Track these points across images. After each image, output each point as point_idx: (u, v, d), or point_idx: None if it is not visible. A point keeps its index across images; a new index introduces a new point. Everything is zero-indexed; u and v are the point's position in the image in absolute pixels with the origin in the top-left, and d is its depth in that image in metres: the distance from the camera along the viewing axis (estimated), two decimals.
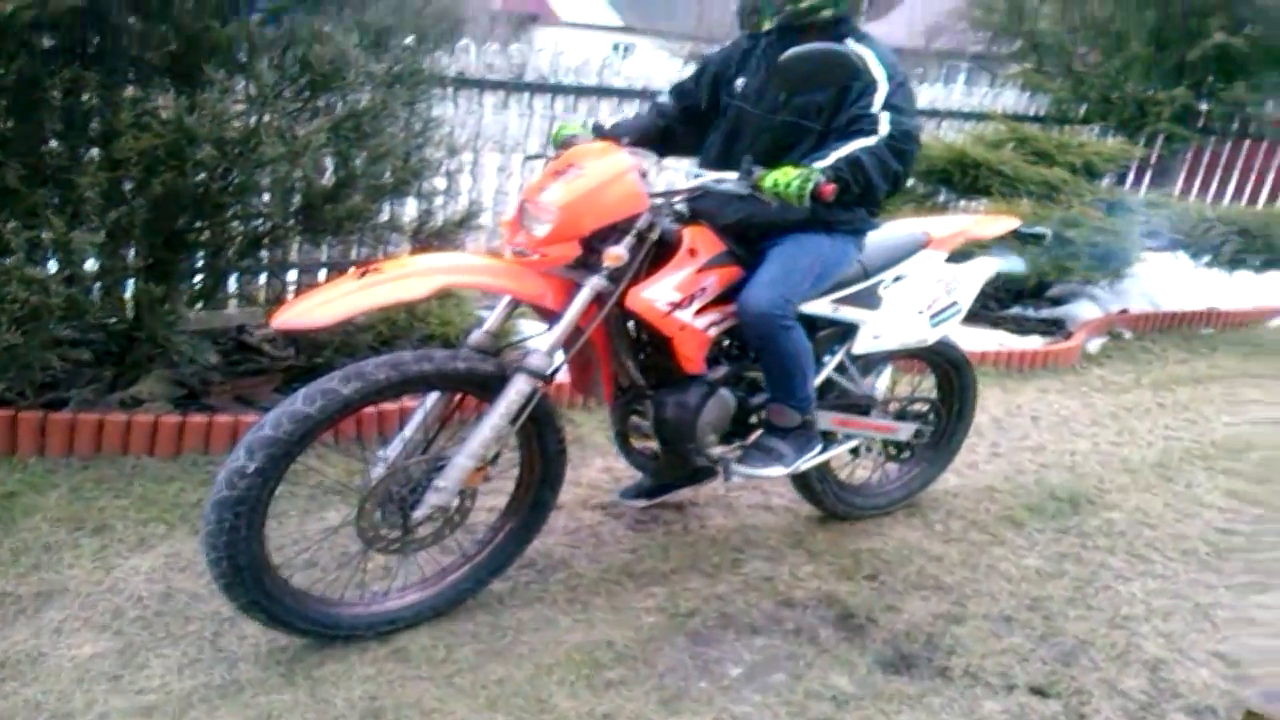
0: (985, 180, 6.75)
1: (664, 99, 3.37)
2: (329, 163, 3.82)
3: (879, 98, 2.89)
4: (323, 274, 5.06)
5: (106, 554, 3.04)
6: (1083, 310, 6.73)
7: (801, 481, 3.56)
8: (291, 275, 4.90)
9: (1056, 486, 4.19)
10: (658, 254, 2.88)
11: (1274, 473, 4.53)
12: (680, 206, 3.01)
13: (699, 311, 2.93)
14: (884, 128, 2.86)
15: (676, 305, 2.86)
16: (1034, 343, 6.16)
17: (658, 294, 2.83)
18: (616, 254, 2.71)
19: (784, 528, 3.65)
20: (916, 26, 26.24)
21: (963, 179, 6.84)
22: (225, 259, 3.87)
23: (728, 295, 2.98)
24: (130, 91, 3.45)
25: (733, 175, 2.81)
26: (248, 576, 2.48)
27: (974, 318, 6.38)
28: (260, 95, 3.39)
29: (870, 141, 2.84)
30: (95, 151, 3.46)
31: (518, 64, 5.85)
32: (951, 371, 3.84)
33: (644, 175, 2.81)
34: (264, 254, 4.34)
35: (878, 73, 2.91)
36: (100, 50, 3.41)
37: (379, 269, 2.56)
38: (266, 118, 3.48)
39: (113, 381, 3.88)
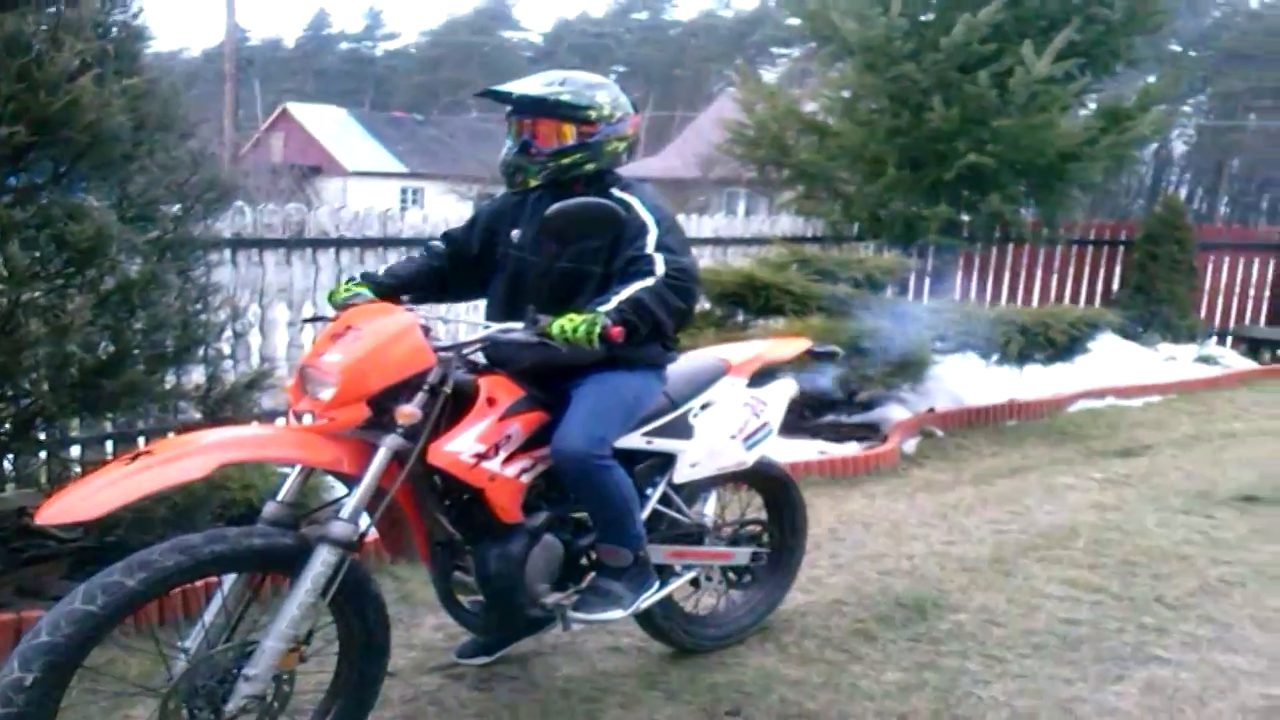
0: (777, 300, 6.91)
1: (437, 244, 3.29)
2: (102, 337, 3.55)
3: (651, 239, 2.93)
4: (109, 446, 4.75)
5: None
6: (893, 413, 6.86)
7: (647, 619, 3.39)
8: (75, 451, 4.56)
9: (901, 593, 4.12)
10: (456, 406, 2.75)
11: (1103, 557, 4.60)
12: (475, 356, 2.92)
13: (507, 459, 2.81)
14: (660, 268, 2.88)
15: (482, 456, 2.74)
16: (852, 448, 6.21)
17: (461, 446, 2.71)
18: (409, 411, 2.58)
19: (637, 669, 3.44)
20: (689, 158, 27.34)
21: (755, 300, 6.99)
22: None
23: (536, 440, 2.88)
24: None
25: (519, 325, 2.76)
26: None
27: (791, 429, 6.42)
28: (14, 276, 3.14)
29: (649, 282, 2.85)
30: None
31: (296, 221, 5.69)
32: (777, 490, 3.79)
33: (427, 331, 2.72)
34: (40, 434, 3.97)
35: (645, 217, 2.97)
36: None
37: (151, 451, 2.37)
38: (25, 298, 3.23)
39: None
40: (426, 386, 2.64)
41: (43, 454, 4.15)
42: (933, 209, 9.27)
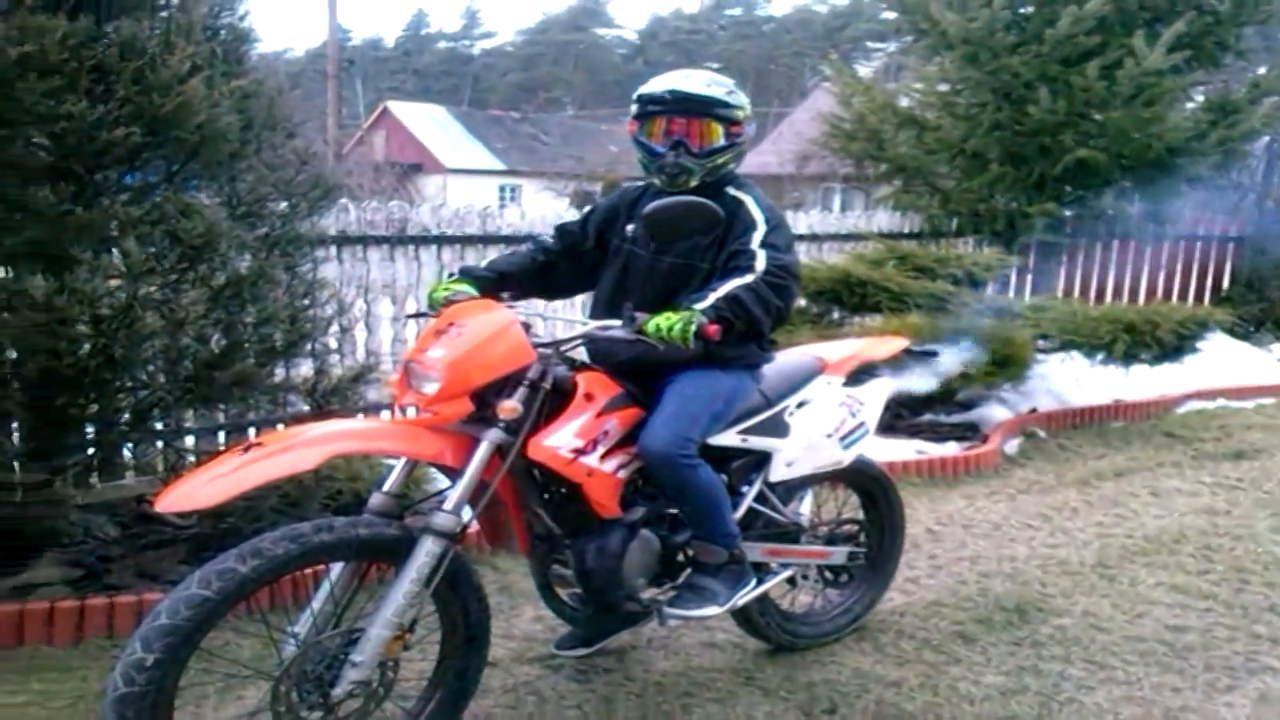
0: (874, 297, 6.87)
1: (545, 238, 3.32)
2: (214, 331, 3.69)
3: (757, 236, 2.94)
4: (221, 436, 4.91)
5: None
6: (994, 412, 6.75)
7: (743, 616, 3.40)
8: (189, 441, 4.73)
9: (1001, 596, 4.06)
10: (556, 402, 2.80)
11: (1212, 563, 4.47)
12: (575, 353, 2.96)
13: (605, 455, 2.84)
14: (760, 264, 2.89)
15: (580, 451, 2.78)
16: (952, 449, 6.12)
17: (559, 441, 2.75)
18: (510, 406, 2.63)
19: (733, 665, 3.45)
20: (785, 154, 27.16)
21: (851, 297, 6.96)
22: (115, 432, 3.65)
23: (634, 436, 2.90)
24: None
25: (617, 323, 2.79)
26: None
27: (889, 429, 6.38)
28: (131, 271, 3.27)
29: (748, 279, 2.85)
30: None
31: (399, 219, 5.82)
32: (875, 490, 3.75)
33: (527, 328, 2.77)
34: (157, 424, 4.13)
35: (756, 215, 2.99)
36: None
37: (262, 443, 2.44)
38: (142, 292, 3.36)
39: (1, 569, 3.60)
40: (527, 382, 2.69)
41: (159, 444, 4.29)
42: (1037, 205, 9.11)
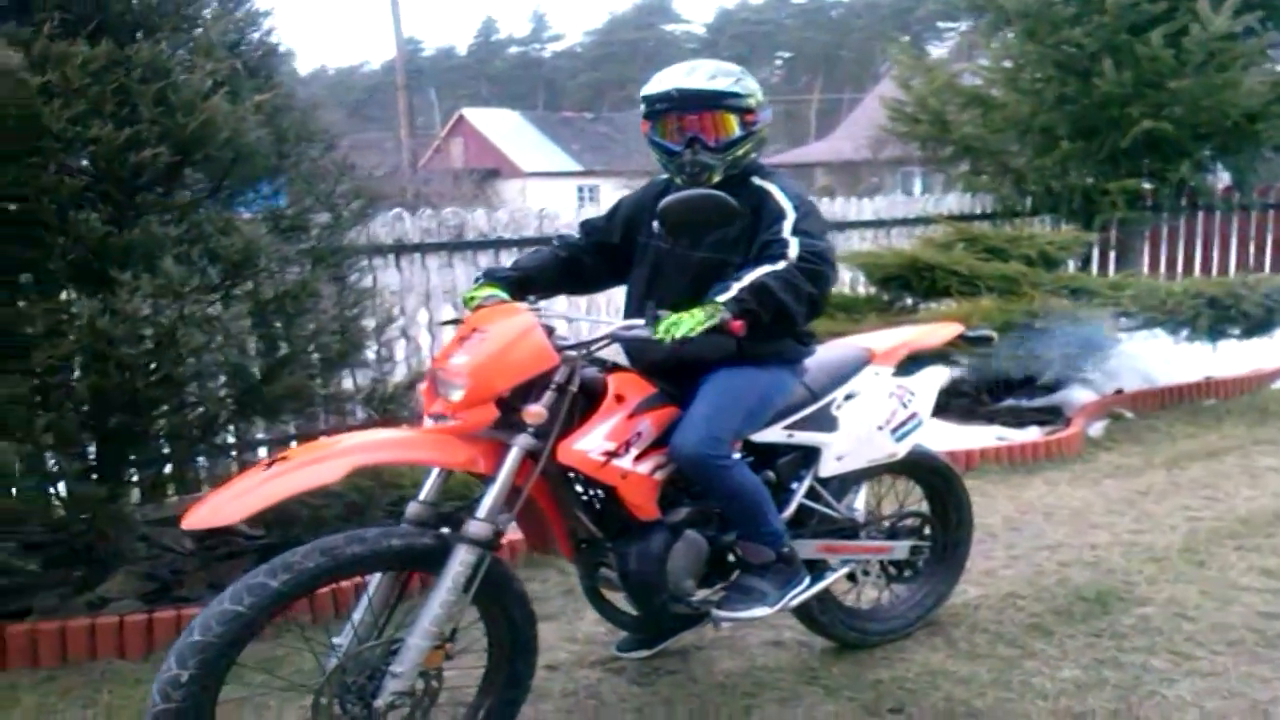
0: (943, 281, 6.70)
1: (571, 235, 3.27)
2: (258, 345, 3.74)
3: (788, 224, 2.84)
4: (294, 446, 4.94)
5: None
6: (1077, 395, 6.54)
7: (805, 614, 3.31)
8: (262, 452, 4.75)
9: (1082, 586, 3.90)
10: (588, 405, 2.74)
11: None
12: (612, 355, 2.91)
13: (640, 457, 2.77)
14: (793, 251, 2.78)
15: (612, 454, 2.72)
16: (1033, 434, 5.94)
17: (590, 444, 2.70)
18: (535, 411, 2.59)
19: (798, 665, 3.35)
20: (859, 140, 26.89)
21: (920, 282, 6.80)
22: (182, 446, 3.71)
23: (669, 436, 2.83)
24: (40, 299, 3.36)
25: (640, 322, 2.72)
26: None
27: (968, 414, 6.24)
28: (170, 290, 3.29)
29: (778, 266, 2.75)
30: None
31: (454, 225, 5.80)
32: (937, 481, 3.63)
33: (551, 331, 2.72)
34: (223, 437, 4.19)
35: (784, 203, 2.89)
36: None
37: (288, 456, 2.43)
38: (187, 310, 3.37)
39: (81, 583, 3.69)
40: (553, 385, 2.64)
41: (233, 455, 4.34)
42: (1115, 181, 8.84)
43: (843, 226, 8.50)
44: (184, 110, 3.29)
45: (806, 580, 3.06)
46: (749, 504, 2.89)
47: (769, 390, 2.99)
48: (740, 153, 2.93)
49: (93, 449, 3.59)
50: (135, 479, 3.89)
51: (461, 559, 2.49)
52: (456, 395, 2.55)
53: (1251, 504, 4.83)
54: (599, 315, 5.81)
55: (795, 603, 3.05)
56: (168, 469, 4.08)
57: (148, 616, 3.46)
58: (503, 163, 38.91)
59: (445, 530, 2.58)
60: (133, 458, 3.74)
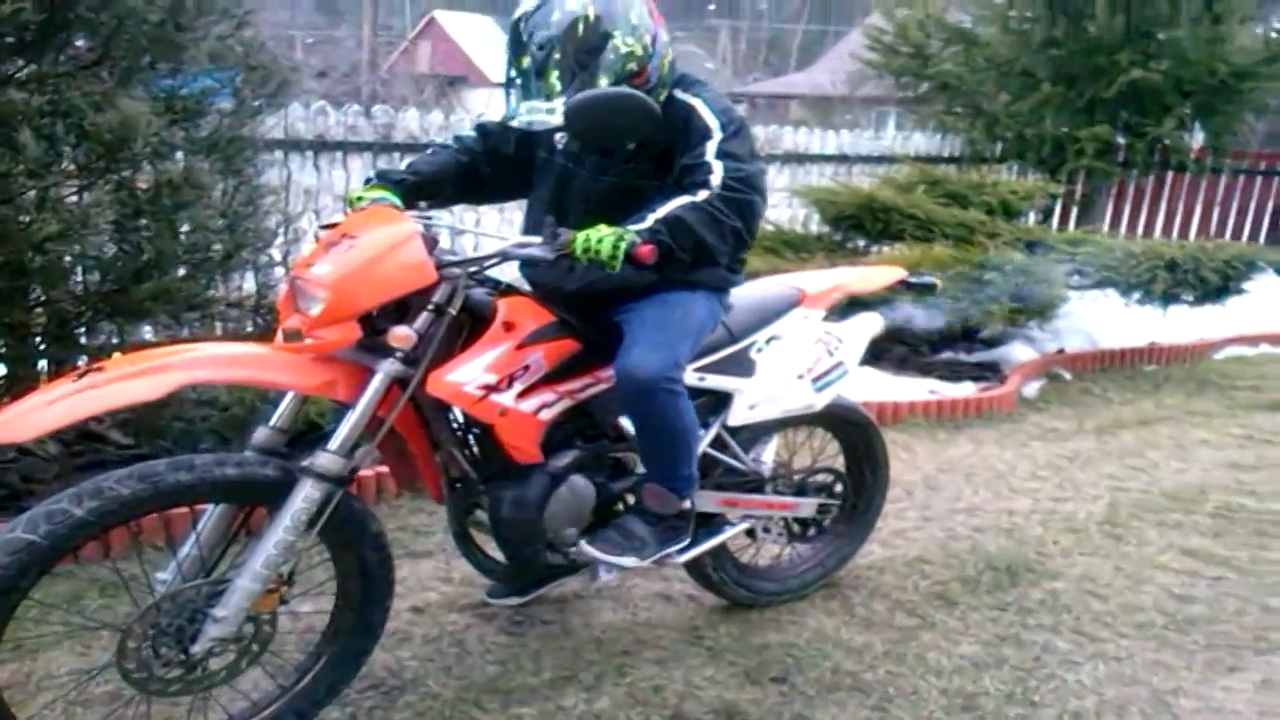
0: (898, 225, 6.49)
1: (468, 135, 2.92)
2: (128, 240, 3.37)
3: (712, 145, 2.53)
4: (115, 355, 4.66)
5: None
6: (1017, 352, 6.36)
7: (696, 569, 3.10)
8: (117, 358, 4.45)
9: (994, 554, 3.73)
10: (474, 329, 2.46)
11: (1232, 525, 4.11)
12: (510, 278, 2.62)
13: (524, 393, 2.49)
14: (717, 177, 2.50)
15: (492, 387, 2.43)
16: (966, 389, 5.75)
17: (465, 376, 2.40)
18: (402, 334, 2.30)
19: (683, 623, 3.16)
20: (839, 75, 26.44)
21: (875, 224, 6.60)
22: (21, 347, 3.38)
23: (563, 372, 2.57)
24: None
25: (537, 239, 2.42)
26: None
27: (903, 364, 6.05)
28: (24, 170, 2.94)
29: (698, 197, 2.48)
30: None
31: (382, 124, 5.45)
32: (856, 436, 3.40)
33: (434, 243, 2.40)
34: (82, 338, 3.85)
35: (709, 120, 2.57)
36: None
37: (103, 367, 2.13)
38: (51, 192, 3.04)
39: None
40: (431, 306, 2.36)
41: (82, 359, 4.02)
42: (1088, 130, 8.60)
43: (803, 159, 8.25)
44: None
45: (686, 540, 2.85)
46: (679, 442, 2.64)
47: (704, 318, 2.72)
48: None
49: None
50: None
51: (305, 495, 2.23)
52: (315, 309, 2.24)
53: (1179, 478, 4.68)
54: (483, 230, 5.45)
55: (672, 561, 2.85)
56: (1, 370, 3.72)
57: None
58: (471, 70, 37.87)
59: (289, 462, 2.30)
60: None
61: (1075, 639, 3.18)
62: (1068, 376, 6.28)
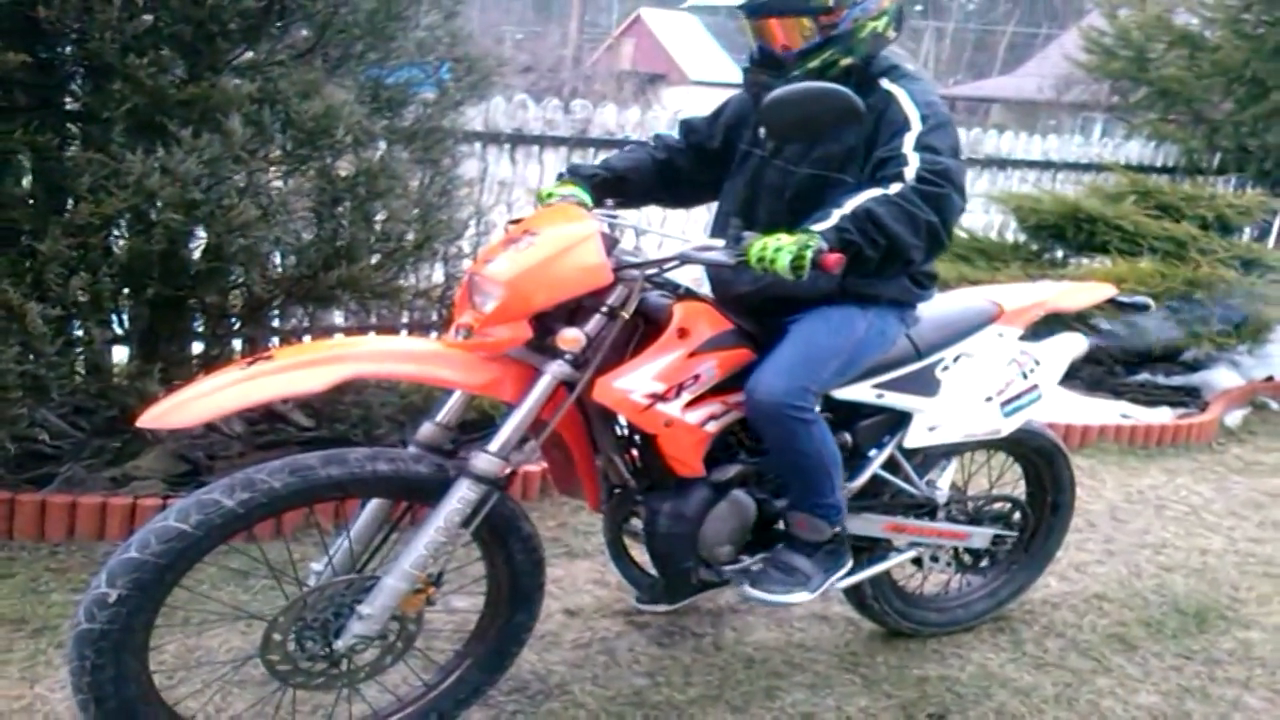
0: (1103, 236, 6.12)
1: (670, 134, 2.87)
2: (325, 227, 3.46)
3: (910, 137, 2.39)
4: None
5: (35, 663, 2.63)
6: (1221, 378, 5.95)
7: (854, 594, 2.98)
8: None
9: (1181, 596, 3.49)
10: (648, 333, 2.39)
11: None
12: (692, 283, 2.53)
13: (692, 403, 2.40)
14: (912, 170, 2.35)
15: (659, 397, 2.34)
16: (1163, 415, 5.41)
17: (633, 384, 2.33)
18: (571, 336, 2.25)
19: (838, 646, 3.05)
20: (1046, 79, 25.46)
21: (1077, 234, 6.24)
22: (218, 327, 3.52)
23: (737, 382, 2.46)
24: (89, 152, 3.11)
25: (719, 243, 2.33)
26: None
27: (1095, 385, 5.73)
28: (231, 155, 3.01)
29: (891, 190, 2.33)
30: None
31: (579, 120, 5.46)
32: (1040, 464, 3.20)
33: (615, 243, 2.34)
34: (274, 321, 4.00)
35: (910, 111, 2.43)
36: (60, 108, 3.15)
37: (272, 355, 2.14)
38: (250, 178, 3.14)
39: (115, 456, 3.53)
40: (604, 308, 2.31)
41: (274, 341, 4.17)
42: None
43: (1004, 164, 7.93)
44: None
45: (849, 564, 2.71)
46: (817, 470, 2.51)
47: (869, 338, 2.58)
48: (816, 64, 2.46)
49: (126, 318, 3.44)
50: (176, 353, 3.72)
51: (461, 495, 2.20)
52: (489, 306, 2.22)
53: None
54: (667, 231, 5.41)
55: (838, 588, 2.73)
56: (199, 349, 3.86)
57: (163, 501, 3.27)
58: (672, 68, 37.99)
59: (446, 460, 2.28)
60: (179, 330, 3.57)
61: (1270, 697, 2.93)
62: (1276, 406, 5.84)
